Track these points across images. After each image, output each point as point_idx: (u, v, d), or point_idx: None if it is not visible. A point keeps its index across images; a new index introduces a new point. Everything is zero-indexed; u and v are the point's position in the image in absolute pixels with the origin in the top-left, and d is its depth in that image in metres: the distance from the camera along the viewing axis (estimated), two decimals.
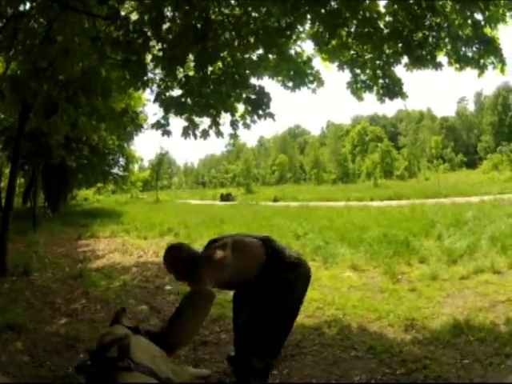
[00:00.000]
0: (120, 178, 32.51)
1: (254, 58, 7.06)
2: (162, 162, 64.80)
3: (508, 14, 6.05)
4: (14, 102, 9.00)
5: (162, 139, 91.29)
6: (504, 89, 76.62)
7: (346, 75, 7.31)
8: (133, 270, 9.45)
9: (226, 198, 52.74)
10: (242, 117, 7.56)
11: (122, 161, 31.44)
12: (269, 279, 3.50)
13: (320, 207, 24.87)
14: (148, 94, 20.14)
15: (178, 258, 3.67)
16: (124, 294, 7.35)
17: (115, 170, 31.80)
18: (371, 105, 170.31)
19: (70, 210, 33.12)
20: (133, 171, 37.53)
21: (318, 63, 7.50)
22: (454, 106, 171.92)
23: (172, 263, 3.73)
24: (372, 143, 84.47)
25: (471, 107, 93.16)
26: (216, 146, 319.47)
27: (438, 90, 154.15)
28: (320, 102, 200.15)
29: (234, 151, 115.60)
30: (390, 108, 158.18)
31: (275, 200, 43.15)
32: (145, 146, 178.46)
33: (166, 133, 7.64)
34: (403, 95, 7.14)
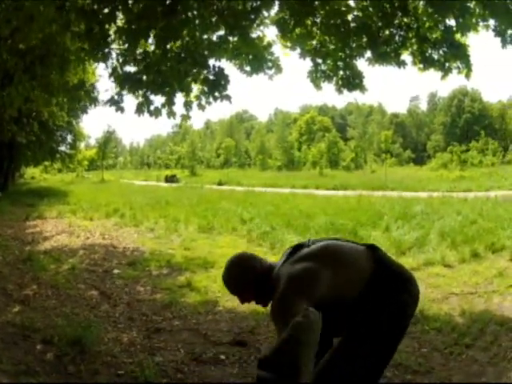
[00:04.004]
0: (67, 156, 31.87)
1: (215, 38, 7.06)
2: (108, 141, 63.54)
3: (481, 23, 6.17)
4: None
5: (109, 117, 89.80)
6: (460, 92, 79.08)
7: (300, 64, 7.26)
8: (80, 253, 9.48)
9: (170, 179, 52.45)
10: (197, 98, 7.53)
11: (69, 138, 30.86)
12: (376, 299, 2.59)
13: (265, 193, 25.26)
14: (101, 70, 19.63)
15: (249, 275, 2.71)
16: (73, 279, 7.29)
17: (63, 148, 31.25)
18: (321, 95, 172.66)
19: (18, 188, 32.61)
20: (80, 149, 36.89)
21: (277, 50, 7.47)
22: (405, 103, 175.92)
23: (238, 282, 2.75)
24: (320, 133, 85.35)
25: (423, 106, 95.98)
26: (162, 126, 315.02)
27: (391, 86, 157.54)
28: (269, 88, 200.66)
29: (181, 133, 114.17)
30: (340, 100, 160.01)
31: (220, 184, 43.40)
32: (92, 124, 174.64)
33: (120, 109, 7.54)
34: (362, 88, 7.23)
